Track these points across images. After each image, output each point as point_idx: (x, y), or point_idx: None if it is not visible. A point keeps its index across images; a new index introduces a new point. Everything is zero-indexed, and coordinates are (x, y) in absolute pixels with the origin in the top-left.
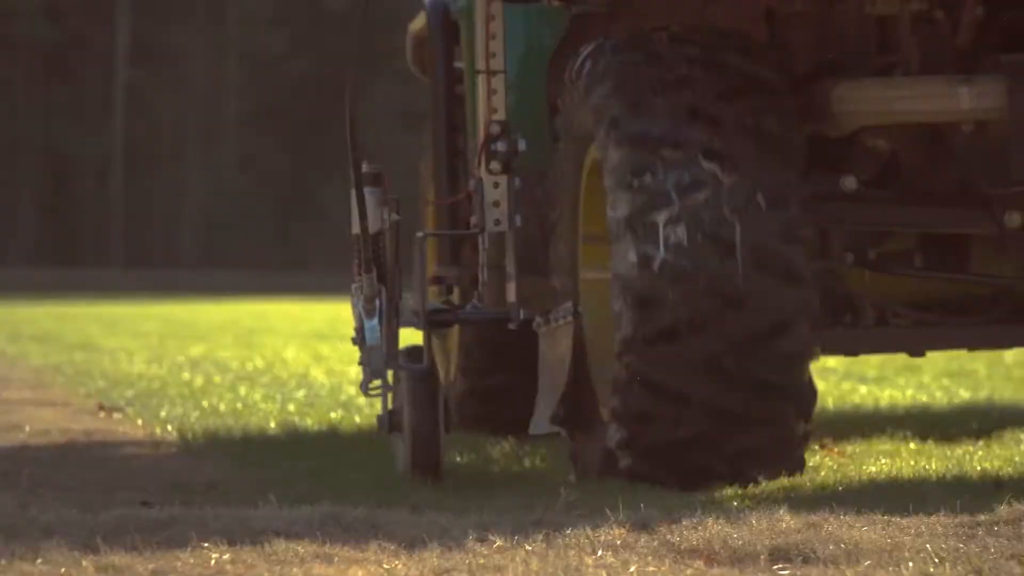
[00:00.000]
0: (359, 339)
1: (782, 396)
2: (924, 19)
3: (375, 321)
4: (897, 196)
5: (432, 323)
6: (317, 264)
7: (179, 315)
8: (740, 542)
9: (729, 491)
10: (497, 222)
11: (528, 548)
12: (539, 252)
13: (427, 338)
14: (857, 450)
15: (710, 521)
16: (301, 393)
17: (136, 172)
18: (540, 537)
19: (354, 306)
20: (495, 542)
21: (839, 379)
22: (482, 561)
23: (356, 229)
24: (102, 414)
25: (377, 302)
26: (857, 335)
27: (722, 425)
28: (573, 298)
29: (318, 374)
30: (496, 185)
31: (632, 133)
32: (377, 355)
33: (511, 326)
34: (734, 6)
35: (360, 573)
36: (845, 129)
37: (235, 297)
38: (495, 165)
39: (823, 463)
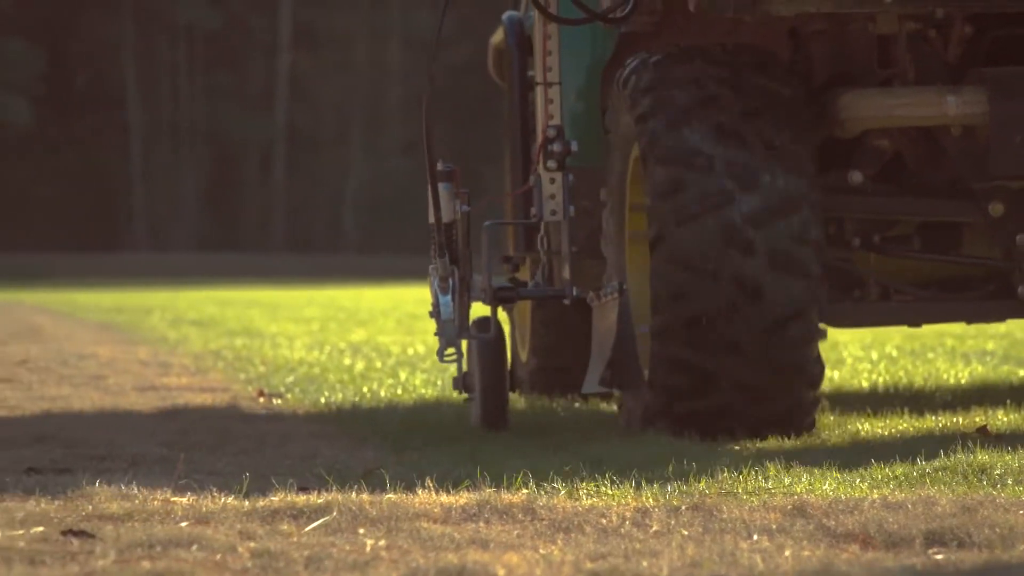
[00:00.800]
0: (435, 313)
1: (794, 372)
2: (919, 37)
3: (448, 297)
4: (898, 189)
5: (497, 298)
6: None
7: (341, 300)
8: (895, 526)
9: (887, 471)
10: (553, 212)
11: (684, 533)
12: (595, 238)
13: (493, 311)
14: (1013, 433)
15: (866, 505)
16: None
17: (298, 157)
18: (697, 521)
19: (431, 284)
20: (651, 527)
21: (997, 362)
22: (638, 546)
23: (432, 219)
24: (262, 400)
25: (450, 281)
26: (864, 309)
27: (744, 397)
28: (619, 275)
29: None
30: (552, 180)
31: (668, 149)
32: (450, 327)
33: (565, 301)
34: (762, 27)
35: (515, 559)
36: (852, 132)
37: (397, 282)
38: (552, 164)
39: (978, 447)
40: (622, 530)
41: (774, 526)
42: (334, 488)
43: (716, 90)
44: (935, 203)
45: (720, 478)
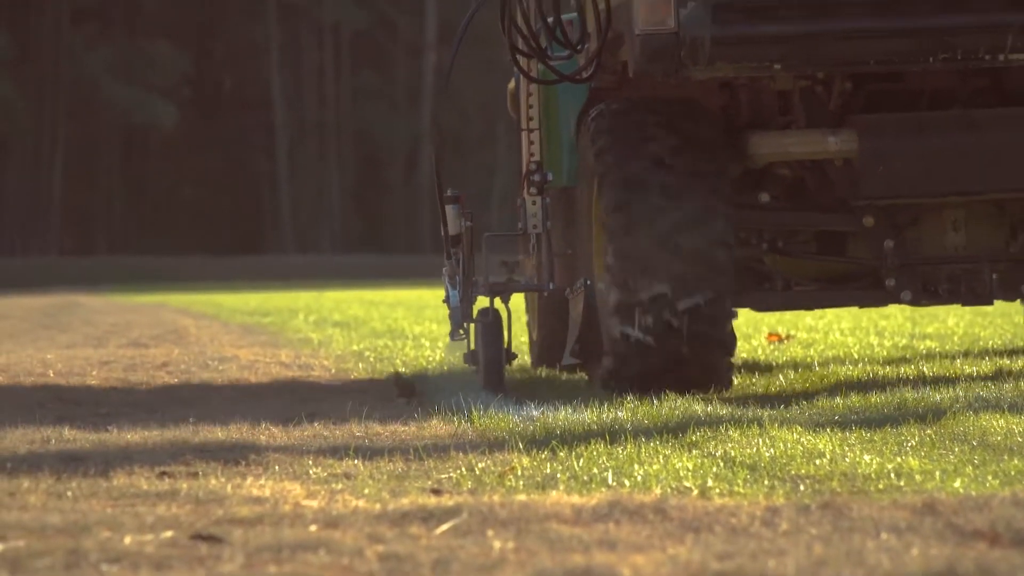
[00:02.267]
0: (447, 302)
1: (714, 345)
2: (809, 91)
3: (456, 291)
4: (796, 206)
5: (493, 291)
6: None
7: (485, 300)
8: None
9: (1020, 467)
10: (535, 226)
11: (812, 532)
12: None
13: (491, 302)
14: None
15: (996, 503)
16: None
17: (445, 156)
18: (826, 520)
19: (444, 280)
20: (781, 526)
21: None
22: (766, 546)
23: (443, 232)
24: (400, 401)
25: (457, 278)
26: (771, 297)
27: (674, 363)
28: (587, 273)
29: None
30: (533, 203)
31: (618, 177)
32: (458, 313)
33: (544, 294)
34: (698, 84)
35: (641, 560)
36: (760, 164)
37: None
38: (533, 190)
39: None
40: (751, 529)
41: (903, 524)
42: (466, 490)
43: (654, 132)
44: (825, 217)
45: (852, 476)
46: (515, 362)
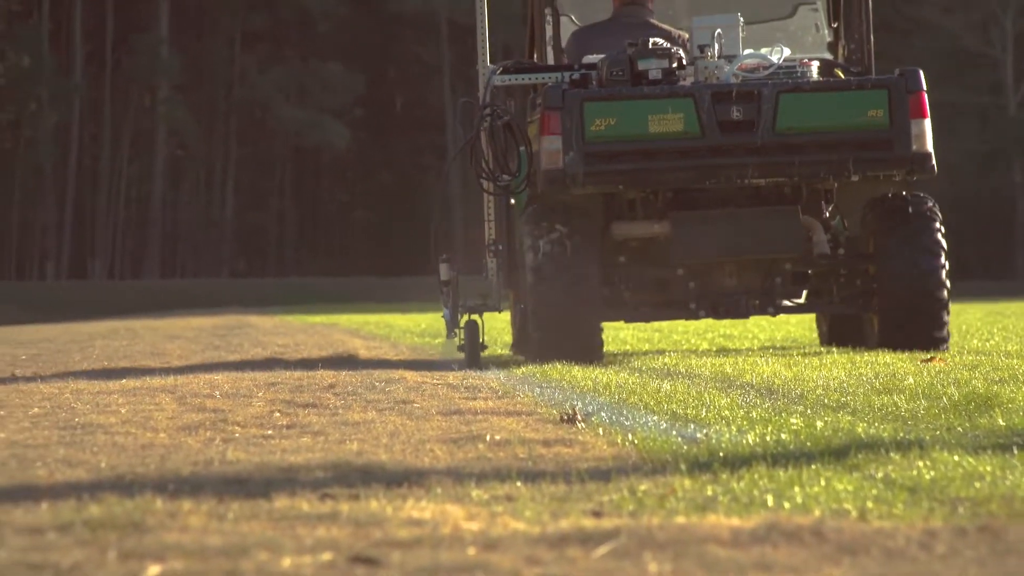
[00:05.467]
0: (445, 316)
1: (589, 348)
2: (644, 199)
3: (448, 309)
4: (639, 263)
5: (470, 310)
6: None
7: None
8: None
9: None
10: (492, 274)
11: (969, 555)
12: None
13: (470, 315)
14: None
15: None
16: (766, 403)
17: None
18: (983, 543)
19: (442, 302)
20: (937, 549)
21: None
22: (922, 569)
23: (442, 277)
24: (565, 423)
25: (449, 301)
26: (624, 315)
27: (561, 358)
28: (523, 301)
29: (785, 376)
30: (491, 262)
31: (532, 251)
32: (450, 323)
33: (498, 312)
34: (581, 196)
35: None
36: (619, 239)
37: None
38: (491, 254)
39: None
40: (908, 552)
41: None
42: (626, 512)
43: (555, 224)
44: (655, 269)
45: (1011, 498)
46: (487, 350)
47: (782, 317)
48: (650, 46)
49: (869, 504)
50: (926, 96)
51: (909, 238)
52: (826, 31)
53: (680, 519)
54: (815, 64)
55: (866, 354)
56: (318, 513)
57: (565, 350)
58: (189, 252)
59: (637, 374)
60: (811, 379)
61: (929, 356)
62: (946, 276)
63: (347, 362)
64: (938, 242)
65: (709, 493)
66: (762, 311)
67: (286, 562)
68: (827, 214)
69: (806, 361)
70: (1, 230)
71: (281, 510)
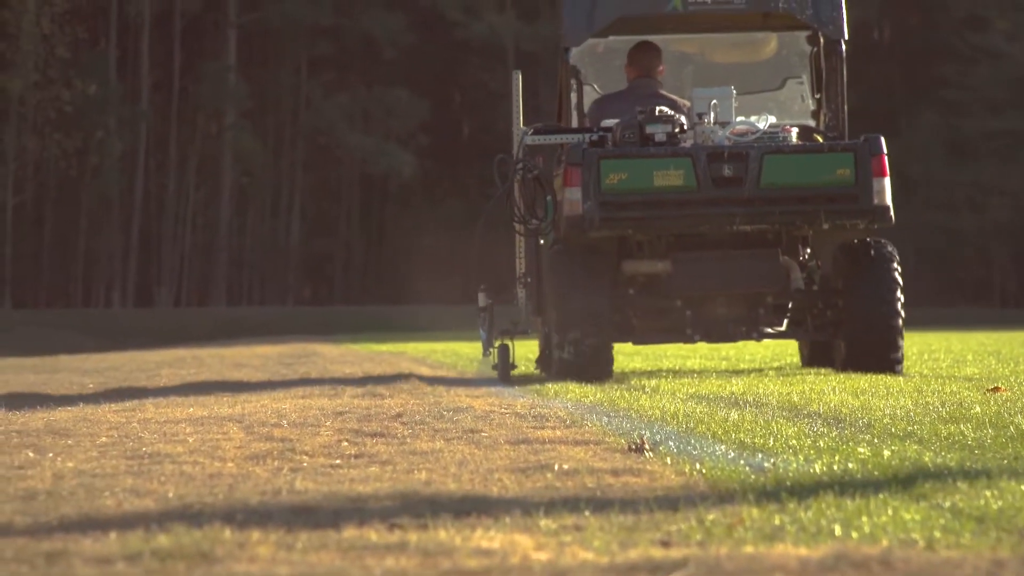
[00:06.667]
0: (482, 337)
1: (600, 364)
2: (650, 241)
3: (484, 331)
4: (645, 295)
5: (504, 333)
6: None
7: (724, 349)
8: None
9: None
10: (522, 302)
11: None
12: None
13: (501, 338)
14: None
15: None
16: (833, 432)
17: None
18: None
19: (479, 324)
20: None
21: None
22: None
23: (479, 304)
24: (633, 453)
25: (486, 323)
26: (632, 338)
27: (575, 374)
28: (548, 326)
29: (852, 405)
30: (521, 292)
31: (551, 283)
32: (485, 343)
33: (527, 331)
34: (598, 238)
35: None
36: (628, 275)
37: None
38: (521, 286)
39: None
40: None
41: None
42: (694, 542)
43: (576, 262)
44: (658, 300)
45: None
46: (516, 369)
47: (768, 342)
48: (656, 113)
49: (937, 534)
50: (886, 158)
51: (871, 277)
52: (810, 101)
53: (748, 549)
54: (795, 130)
55: (932, 382)
56: (386, 543)
57: (581, 368)
58: (255, 279)
59: (704, 403)
60: (878, 408)
61: (995, 385)
62: (901, 307)
63: (414, 390)
64: (895, 280)
65: (777, 522)
66: (748, 336)
67: None
68: (803, 256)
69: (873, 390)
70: (67, 258)
71: (349, 540)
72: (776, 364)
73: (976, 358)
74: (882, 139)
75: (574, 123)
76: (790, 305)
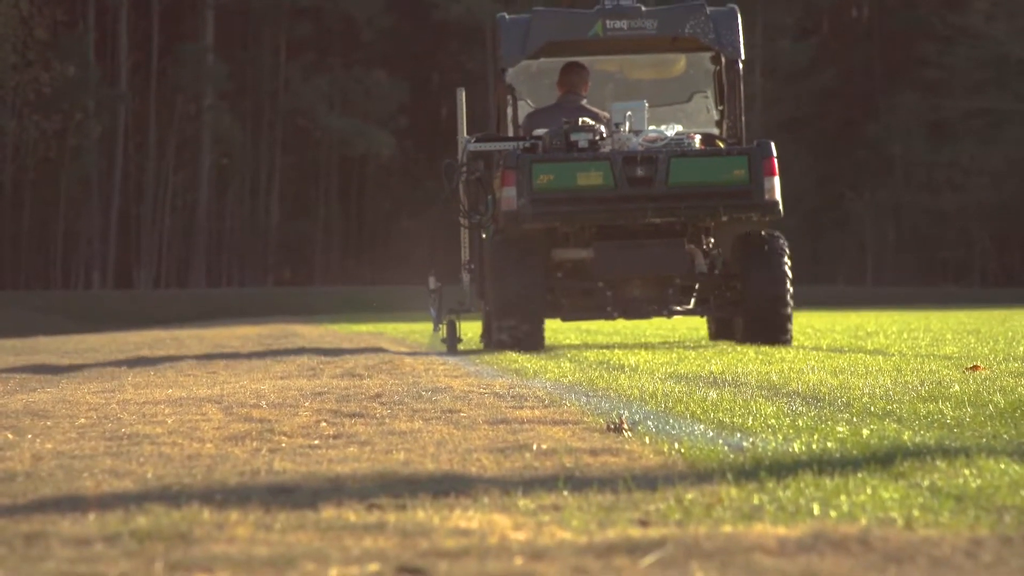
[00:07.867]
0: (432, 314)
1: (532, 341)
2: (576, 232)
3: (434, 310)
4: (573, 278)
5: (451, 312)
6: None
7: (705, 329)
8: None
9: None
10: (466, 285)
11: (1014, 564)
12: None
13: (450, 317)
14: None
15: None
16: (812, 411)
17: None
18: None
19: (429, 304)
20: (983, 558)
21: None
22: None
23: (430, 286)
24: (612, 432)
25: (436, 303)
26: (560, 315)
27: (514, 346)
28: (488, 306)
29: (831, 384)
30: (465, 277)
31: (494, 271)
32: (435, 321)
33: (471, 310)
34: (531, 229)
35: None
36: (557, 261)
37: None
38: (465, 271)
39: None
40: (954, 561)
41: None
42: (673, 521)
43: (509, 252)
44: (583, 283)
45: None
46: (462, 343)
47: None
48: (580, 124)
49: (915, 512)
50: (776, 160)
51: (764, 264)
52: (714, 112)
53: (727, 528)
54: (698, 136)
55: (912, 361)
56: (365, 523)
57: (517, 343)
58: (235, 261)
59: (683, 382)
60: (857, 387)
61: (974, 364)
62: (790, 286)
63: (393, 371)
64: (785, 264)
65: (755, 502)
66: (659, 313)
67: (333, 572)
68: (707, 245)
69: (852, 369)
70: (47, 240)
71: (328, 520)
72: (690, 338)
73: (955, 337)
74: (772, 144)
75: (510, 133)
76: (696, 286)
